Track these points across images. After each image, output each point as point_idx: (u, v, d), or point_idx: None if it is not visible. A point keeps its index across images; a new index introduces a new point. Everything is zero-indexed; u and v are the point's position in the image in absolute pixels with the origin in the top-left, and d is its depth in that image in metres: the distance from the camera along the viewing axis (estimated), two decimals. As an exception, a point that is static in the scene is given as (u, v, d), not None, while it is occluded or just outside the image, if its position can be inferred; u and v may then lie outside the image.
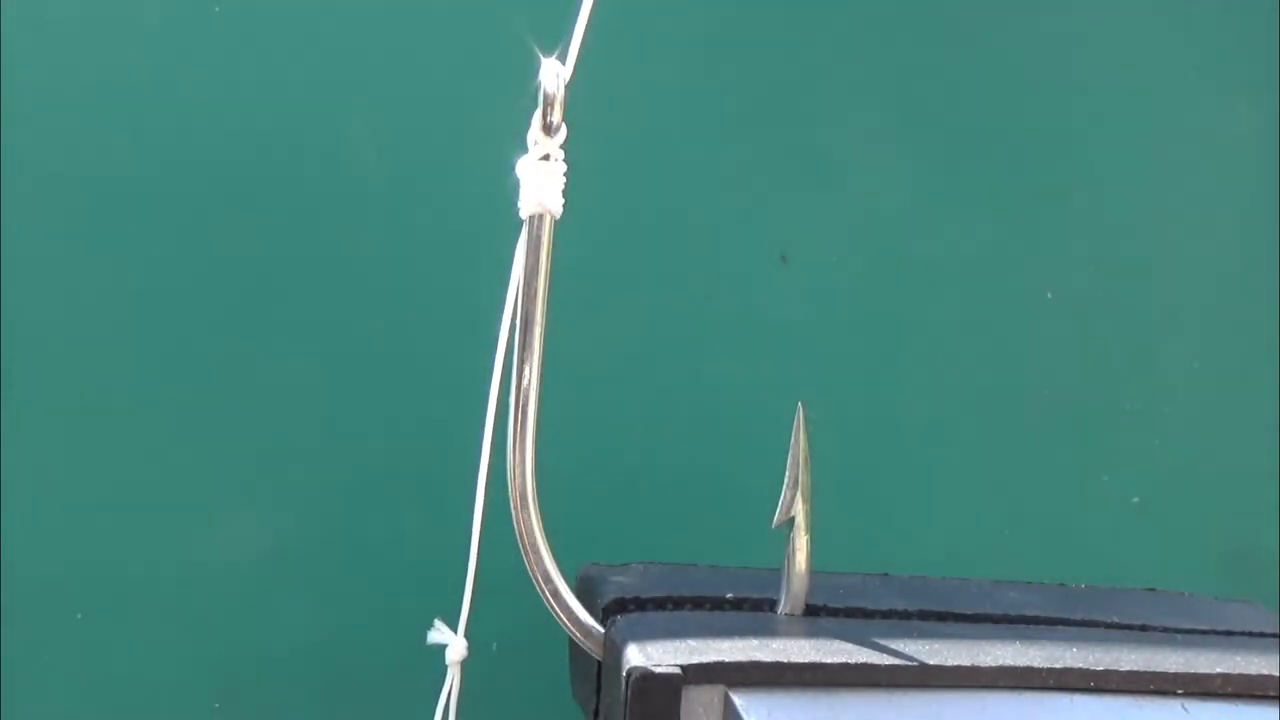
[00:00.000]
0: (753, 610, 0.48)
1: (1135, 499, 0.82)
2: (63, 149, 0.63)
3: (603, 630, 0.47)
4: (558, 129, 0.42)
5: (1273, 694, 0.44)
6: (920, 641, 0.45)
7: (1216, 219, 0.81)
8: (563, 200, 0.43)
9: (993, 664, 0.43)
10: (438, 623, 0.48)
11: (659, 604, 0.48)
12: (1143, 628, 0.49)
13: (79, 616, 0.66)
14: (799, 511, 0.47)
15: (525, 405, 0.45)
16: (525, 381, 0.45)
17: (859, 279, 0.75)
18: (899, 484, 0.68)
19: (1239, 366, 0.83)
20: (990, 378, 0.78)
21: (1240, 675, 0.44)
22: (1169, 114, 0.80)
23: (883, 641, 0.44)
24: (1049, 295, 0.78)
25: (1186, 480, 0.83)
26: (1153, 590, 0.56)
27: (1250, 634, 0.51)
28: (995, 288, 0.77)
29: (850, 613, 0.49)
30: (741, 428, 0.73)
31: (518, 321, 0.44)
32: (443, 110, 0.68)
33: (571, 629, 0.47)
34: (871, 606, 0.49)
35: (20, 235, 0.63)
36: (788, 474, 0.47)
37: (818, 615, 0.48)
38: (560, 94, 0.41)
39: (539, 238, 0.43)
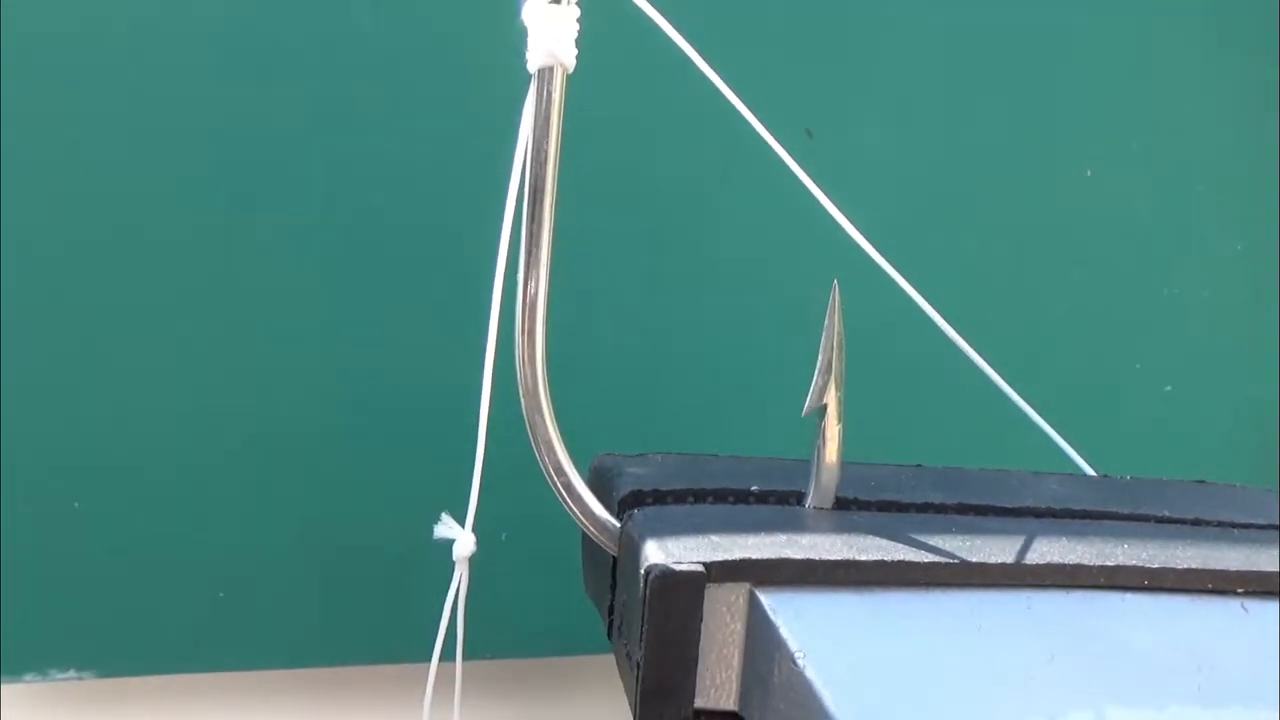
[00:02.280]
0: (779, 504, 0.46)
1: (1168, 387, 0.80)
2: (46, 58, 0.59)
3: (618, 525, 0.44)
4: (570, -32, 0.38)
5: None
6: (959, 537, 0.43)
7: (1262, 105, 0.77)
8: (576, 51, 0.39)
9: (1039, 561, 0.41)
10: (445, 517, 0.46)
11: (678, 497, 0.45)
12: (1196, 522, 0.47)
13: (76, 505, 0.64)
14: (831, 399, 0.44)
15: (535, 284, 0.42)
16: (534, 257, 0.41)
17: (888, 155, 0.72)
18: (930, 370, 0.65)
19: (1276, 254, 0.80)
20: (1025, 260, 0.76)
21: (1306, 573, 0.42)
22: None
23: (919, 537, 0.42)
24: (1089, 173, 0.75)
25: (1220, 369, 0.81)
26: (1202, 482, 0.53)
27: None
28: (1032, 165, 0.74)
29: (883, 506, 0.46)
30: (767, 310, 0.70)
31: (526, 190, 0.40)
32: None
33: (585, 523, 0.45)
34: (905, 500, 0.46)
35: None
36: (820, 358, 0.44)
37: (848, 509, 0.46)
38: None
39: (549, 94, 0.39)
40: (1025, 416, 0.54)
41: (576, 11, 0.39)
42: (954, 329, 0.52)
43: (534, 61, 0.39)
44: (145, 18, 0.60)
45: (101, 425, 0.64)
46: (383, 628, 0.69)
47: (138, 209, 0.62)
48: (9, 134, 0.60)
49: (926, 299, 0.52)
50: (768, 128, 0.48)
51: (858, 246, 0.50)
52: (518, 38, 0.40)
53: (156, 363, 0.64)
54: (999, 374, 0.53)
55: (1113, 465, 0.56)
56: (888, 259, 0.51)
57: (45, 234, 0.61)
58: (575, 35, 0.39)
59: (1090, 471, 0.54)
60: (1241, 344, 0.81)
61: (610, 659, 0.47)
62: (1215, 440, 0.82)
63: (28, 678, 0.65)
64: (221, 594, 0.67)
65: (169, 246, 0.63)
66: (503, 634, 0.70)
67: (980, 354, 0.53)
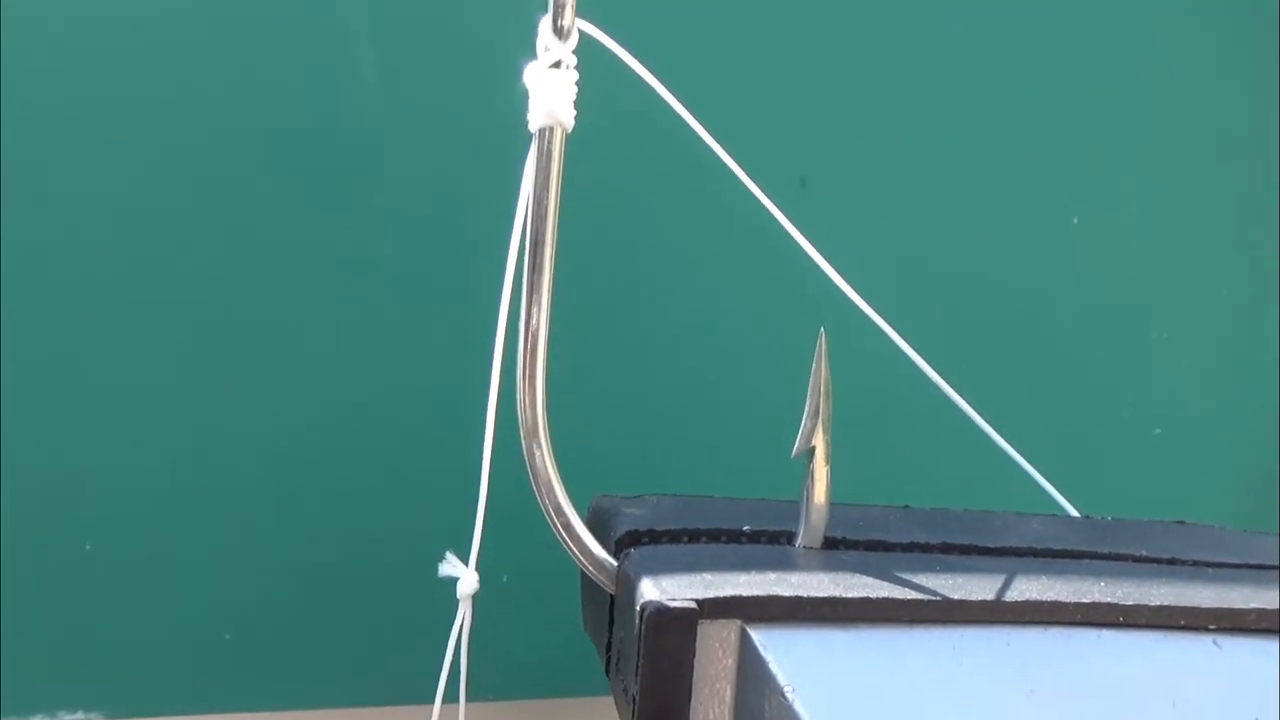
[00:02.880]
0: (770, 544, 0.47)
1: (1157, 431, 0.81)
2: (56, 63, 0.61)
3: (615, 564, 0.45)
4: (569, 33, 0.39)
5: (1307, 630, 0.43)
6: (943, 575, 0.44)
7: (1245, 150, 0.79)
8: (574, 112, 0.41)
9: (1018, 598, 0.42)
10: (449, 555, 0.47)
11: (673, 536, 0.47)
12: (1172, 561, 0.48)
13: (88, 548, 0.66)
14: (819, 442, 0.45)
15: (535, 333, 0.43)
16: (535, 308, 0.43)
17: (880, 203, 0.73)
18: (918, 414, 0.66)
19: (1265, 298, 0.81)
20: (1013, 304, 0.77)
21: (1275, 611, 0.43)
22: (1193, 38, 0.77)
23: (904, 575, 0.43)
24: (1075, 220, 0.77)
25: (1209, 413, 0.81)
26: (1182, 523, 0.54)
27: None
28: (1020, 212, 0.76)
29: (870, 546, 0.47)
30: (758, 356, 0.71)
31: (527, 243, 0.42)
32: (446, 15, 0.65)
33: (584, 562, 0.46)
34: (892, 539, 0.48)
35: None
36: (808, 403, 0.45)
37: (837, 549, 0.47)
38: (572, -4, 0.39)
39: (549, 152, 0.41)
40: (1011, 459, 0.55)
41: (575, 75, 0.41)
42: (943, 375, 0.53)
43: (535, 121, 0.41)
44: (160, 68, 0.62)
45: (113, 469, 0.65)
46: (387, 669, 0.70)
47: (148, 258, 0.64)
48: (17, 160, 0.61)
49: (917, 344, 0.53)
50: (763, 178, 0.49)
51: (845, 294, 0.51)
52: (520, 98, 0.42)
53: (166, 409, 0.65)
54: (988, 417, 0.54)
55: (1104, 508, 0.57)
56: (879, 305, 0.52)
57: (54, 266, 0.63)
58: (574, 97, 0.41)
59: (1073, 512, 0.55)
60: (1230, 388, 0.82)
61: (609, 700, 0.48)
62: (1205, 483, 0.83)
63: (36, 718, 0.66)
64: (228, 636, 0.68)
65: (180, 293, 0.65)
66: (505, 675, 0.70)
67: (972, 397, 0.54)
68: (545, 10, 0.39)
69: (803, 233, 0.50)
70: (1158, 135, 0.78)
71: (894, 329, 0.52)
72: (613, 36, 0.41)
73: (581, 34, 0.40)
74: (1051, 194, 0.76)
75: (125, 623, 0.67)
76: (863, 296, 0.50)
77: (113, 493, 0.65)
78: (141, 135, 0.63)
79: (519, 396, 0.44)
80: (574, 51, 0.40)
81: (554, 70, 0.40)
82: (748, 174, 0.48)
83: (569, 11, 0.39)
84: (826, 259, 0.49)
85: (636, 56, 0.42)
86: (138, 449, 0.65)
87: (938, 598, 0.42)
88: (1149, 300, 0.79)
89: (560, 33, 0.39)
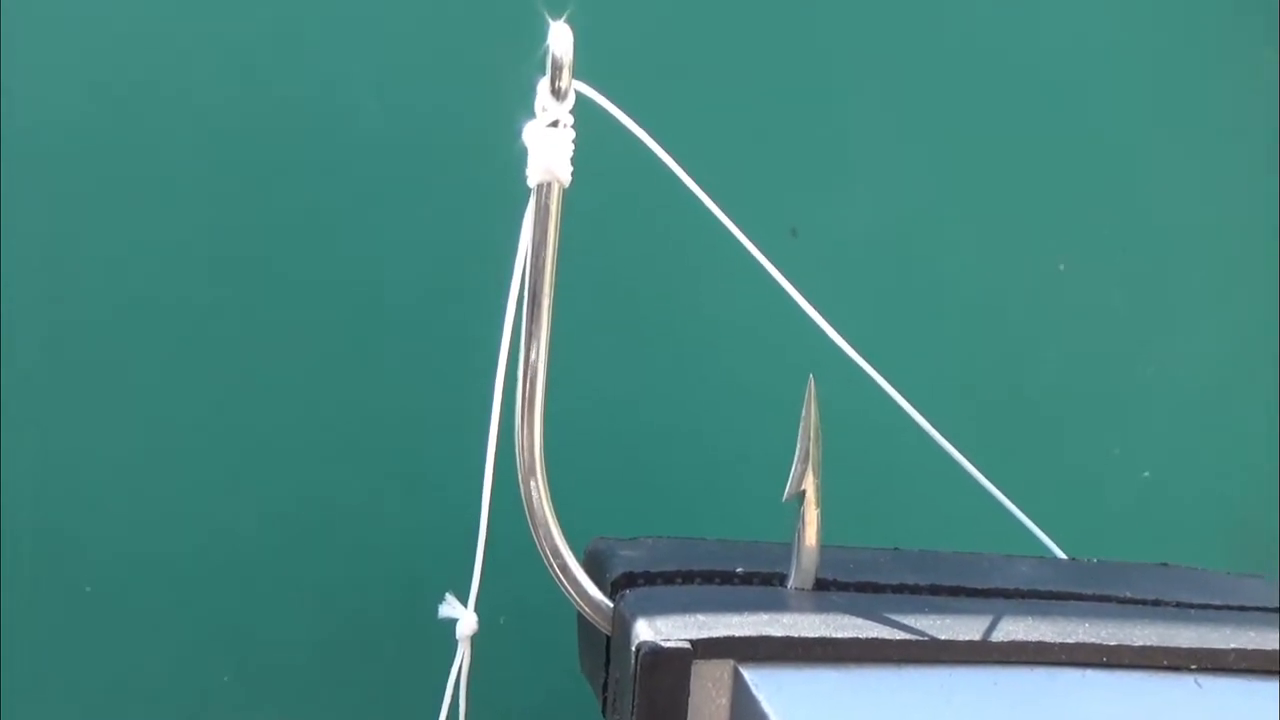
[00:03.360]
0: (762, 585, 0.48)
1: (1146, 473, 0.82)
2: (50, 88, 0.63)
3: (611, 605, 0.46)
4: (566, 94, 0.41)
5: (1288, 669, 0.44)
6: (931, 616, 0.45)
7: (1228, 191, 0.80)
8: (571, 168, 0.42)
9: (1005, 639, 0.43)
10: (449, 597, 0.48)
11: (668, 578, 0.47)
12: (1155, 602, 0.49)
13: (88, 589, 0.66)
14: (809, 485, 0.46)
15: (533, 378, 0.44)
16: (533, 354, 0.44)
17: (869, 251, 0.75)
18: (909, 458, 0.67)
19: (1254, 339, 0.82)
20: (1002, 350, 0.78)
21: (1255, 651, 0.44)
22: (1176, 86, 0.79)
23: (894, 616, 0.44)
24: (1061, 267, 0.78)
25: (1198, 455, 0.82)
26: (1165, 565, 0.55)
27: (1264, 609, 0.50)
28: (1007, 259, 0.77)
29: (861, 587, 0.48)
30: (751, 401, 0.72)
31: (525, 294, 0.44)
32: (449, 75, 0.67)
33: (580, 603, 0.47)
34: (882, 581, 0.48)
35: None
36: (798, 447, 0.46)
37: (828, 590, 0.48)
38: (569, 58, 0.41)
39: (547, 207, 0.43)
40: (999, 502, 0.56)
41: (572, 134, 0.42)
42: (930, 419, 0.54)
43: (533, 177, 0.42)
44: (165, 103, 0.64)
45: (113, 513, 0.66)
46: (385, 711, 0.70)
47: (146, 298, 0.65)
48: (17, 225, 0.62)
49: (905, 389, 0.54)
50: (755, 229, 0.51)
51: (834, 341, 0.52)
52: (519, 153, 0.44)
53: (166, 454, 0.66)
54: (976, 460, 0.55)
55: (1092, 550, 0.58)
56: (867, 351, 0.53)
57: (54, 296, 0.64)
58: (570, 154, 0.42)
59: (1060, 554, 0.56)
60: (1219, 431, 0.83)
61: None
62: (1193, 526, 0.83)
63: (34, 760, 0.66)
64: (226, 678, 0.68)
65: (178, 336, 0.66)
66: (502, 716, 0.71)
67: (960, 441, 0.55)
68: (543, 72, 0.41)
69: (793, 281, 0.51)
70: (1143, 180, 0.79)
71: (882, 375, 0.53)
72: (608, 95, 0.43)
73: (578, 94, 0.41)
74: (1037, 240, 0.77)
75: (124, 664, 0.67)
76: (851, 343, 0.51)
77: (112, 536, 0.66)
78: (141, 182, 0.64)
79: (517, 438, 0.45)
80: (570, 111, 0.41)
81: (551, 129, 0.42)
82: (740, 225, 0.49)
83: (566, 74, 0.41)
84: (816, 306, 0.50)
85: (631, 114, 0.44)
86: (137, 494, 0.66)
87: (926, 638, 0.42)
88: (1136, 344, 0.80)
89: (558, 94, 0.41)
